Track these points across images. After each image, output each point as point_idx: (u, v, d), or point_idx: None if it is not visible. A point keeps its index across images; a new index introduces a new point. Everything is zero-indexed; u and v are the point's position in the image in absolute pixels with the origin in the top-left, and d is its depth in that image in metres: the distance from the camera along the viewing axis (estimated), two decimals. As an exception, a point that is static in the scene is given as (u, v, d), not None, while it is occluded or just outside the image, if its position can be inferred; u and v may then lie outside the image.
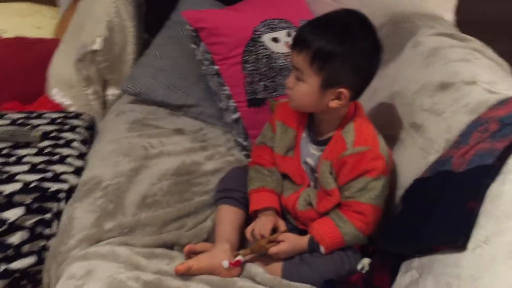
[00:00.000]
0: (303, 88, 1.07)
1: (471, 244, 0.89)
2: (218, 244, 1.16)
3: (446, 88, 1.23)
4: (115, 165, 1.36)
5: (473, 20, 1.81)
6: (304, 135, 1.19)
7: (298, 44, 1.07)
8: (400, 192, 1.21)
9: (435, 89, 1.25)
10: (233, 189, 1.24)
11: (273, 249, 1.14)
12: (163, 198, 1.29)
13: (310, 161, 1.18)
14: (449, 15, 1.83)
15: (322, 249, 1.12)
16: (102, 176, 1.33)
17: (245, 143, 1.54)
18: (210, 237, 1.25)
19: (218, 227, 1.21)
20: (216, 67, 1.49)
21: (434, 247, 0.97)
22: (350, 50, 1.04)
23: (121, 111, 1.66)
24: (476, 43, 1.43)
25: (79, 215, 1.23)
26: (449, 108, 1.19)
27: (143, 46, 1.90)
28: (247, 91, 1.48)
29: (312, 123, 1.18)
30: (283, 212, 1.25)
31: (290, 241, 1.15)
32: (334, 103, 1.08)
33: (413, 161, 1.20)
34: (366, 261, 1.16)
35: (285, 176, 1.25)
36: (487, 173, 0.95)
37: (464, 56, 1.31)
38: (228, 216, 1.21)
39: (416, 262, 1.04)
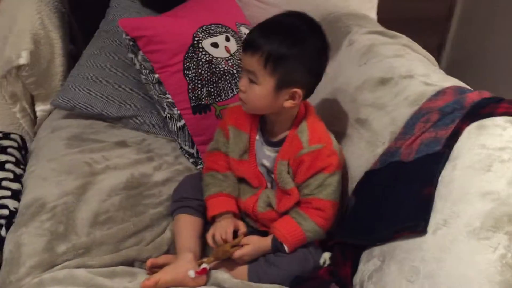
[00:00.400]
0: (258, 91, 1.08)
1: (431, 227, 0.95)
2: (180, 254, 1.14)
3: (385, 82, 1.29)
4: (59, 185, 1.29)
5: (393, 18, 1.90)
6: (257, 137, 1.20)
7: (250, 47, 1.07)
8: (351, 185, 1.26)
9: (376, 85, 1.31)
10: (189, 198, 1.23)
11: (237, 253, 1.14)
12: (116, 214, 1.24)
13: (266, 162, 1.19)
14: (373, 14, 1.92)
15: (286, 248, 1.14)
16: (45, 198, 1.25)
17: (191, 151, 1.52)
18: (170, 249, 1.22)
19: (178, 238, 1.18)
20: (157, 75, 1.46)
21: (394, 235, 1.02)
22: (301, 51, 1.06)
23: (56, 127, 1.58)
24: (404, 39, 1.51)
25: (27, 240, 1.16)
26: (390, 102, 1.25)
27: (70, 57, 1.82)
28: (191, 98, 1.46)
29: (264, 125, 1.20)
30: (241, 216, 1.25)
31: (254, 243, 1.15)
32: (288, 103, 1.10)
33: (362, 154, 1.25)
34: (327, 255, 1.19)
35: (241, 180, 1.25)
36: (438, 160, 1.02)
37: (397, 52, 1.39)
38: (187, 225, 1.20)
39: (376, 250, 1.09)
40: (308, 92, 1.13)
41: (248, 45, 1.08)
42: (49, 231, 1.17)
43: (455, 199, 0.94)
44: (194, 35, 1.46)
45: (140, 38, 1.42)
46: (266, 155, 1.19)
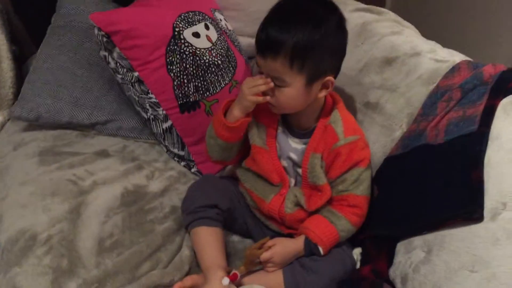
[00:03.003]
0: (289, 93, 0.98)
1: (488, 213, 0.91)
2: (210, 273, 1.02)
3: (391, 62, 1.24)
4: (46, 210, 1.12)
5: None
6: (280, 129, 1.10)
7: (269, 50, 0.95)
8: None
9: (381, 65, 1.25)
10: (203, 207, 1.11)
11: (266, 254, 1.04)
12: (123, 236, 1.10)
13: (293, 155, 1.10)
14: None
15: (321, 250, 1.06)
16: (34, 228, 1.08)
17: (182, 153, 1.39)
18: (192, 267, 1.10)
19: (203, 254, 1.07)
20: (136, 73, 1.30)
21: (445, 223, 0.97)
22: (324, 35, 0.97)
23: (18, 142, 1.38)
24: (391, 14, 1.46)
25: (26, 282, 0.99)
26: (402, 82, 1.20)
27: (15, 60, 1.60)
28: (177, 96, 1.32)
29: (287, 116, 1.10)
30: (262, 220, 1.16)
31: (282, 243, 1.07)
32: (322, 93, 1.01)
33: (377, 140, 1.19)
34: (357, 251, 1.13)
35: (258, 179, 1.14)
36: (479, 141, 0.97)
37: (393, 29, 1.33)
38: (209, 239, 1.08)
39: (417, 240, 1.04)
40: (338, 73, 1.05)
41: (266, 47, 0.96)
42: (51, 267, 1.01)
43: (511, 181, 0.90)
44: (174, 25, 1.32)
45: (115, 33, 1.25)
46: (292, 147, 1.10)
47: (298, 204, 1.10)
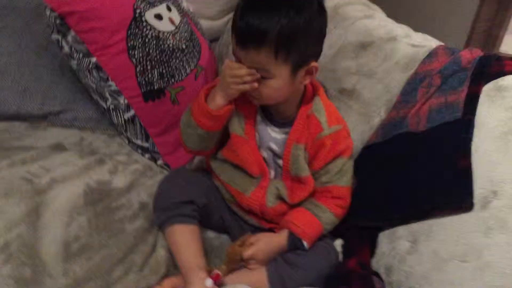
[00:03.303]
0: (273, 84, 0.92)
1: (479, 201, 0.90)
2: (191, 275, 0.95)
3: (367, 47, 1.21)
4: (0, 214, 1.00)
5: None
6: (258, 117, 1.04)
7: (252, 39, 0.87)
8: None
9: (356, 50, 1.22)
10: (179, 203, 1.03)
11: (249, 252, 0.99)
12: (90, 239, 1.00)
13: (273, 146, 1.04)
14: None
15: (305, 244, 1.01)
16: (-14, 233, 0.96)
17: (146, 145, 1.29)
18: (169, 270, 1.03)
19: (181, 255, 0.99)
20: (94, 59, 1.19)
21: (433, 212, 0.95)
22: (309, 19, 0.89)
23: (-41, 137, 1.22)
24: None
25: (-17, 297, 0.87)
26: (379, 67, 1.17)
27: None
28: (140, 83, 1.22)
29: (266, 105, 1.03)
30: (240, 216, 1.10)
31: (264, 239, 1.02)
32: (307, 80, 0.95)
33: (354, 128, 1.16)
34: (338, 243, 1.10)
35: (236, 171, 1.07)
36: (465, 128, 0.96)
37: (365, 13, 1.30)
38: (186, 238, 1.01)
39: (400, 230, 1.03)
40: (319, 57, 0.98)
41: (247, 38, 0.87)
42: (12, 278, 0.90)
43: (501, 169, 0.89)
44: (135, 6, 1.21)
45: (70, 14, 1.13)
46: (272, 137, 1.03)
47: (279, 197, 1.05)
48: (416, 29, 1.28)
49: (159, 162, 1.29)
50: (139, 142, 1.29)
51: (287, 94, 0.95)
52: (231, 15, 1.68)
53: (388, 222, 1.04)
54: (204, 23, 1.57)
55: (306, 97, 1.02)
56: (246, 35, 0.88)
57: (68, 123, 1.31)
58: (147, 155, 1.30)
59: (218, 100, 0.96)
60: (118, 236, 1.03)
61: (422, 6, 2.48)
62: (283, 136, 1.02)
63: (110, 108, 1.25)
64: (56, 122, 1.30)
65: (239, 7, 0.90)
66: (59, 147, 1.22)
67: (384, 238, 1.06)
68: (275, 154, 1.04)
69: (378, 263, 1.06)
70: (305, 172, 1.01)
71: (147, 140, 1.28)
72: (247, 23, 0.87)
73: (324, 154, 1.01)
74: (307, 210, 1.04)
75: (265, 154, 1.05)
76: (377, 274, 1.00)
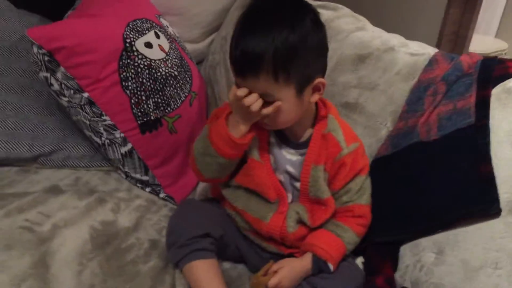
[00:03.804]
0: (282, 108, 0.88)
1: (506, 207, 0.89)
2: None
3: (364, 59, 1.20)
4: (4, 269, 0.93)
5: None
6: (272, 140, 1.00)
7: (248, 67, 0.84)
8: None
9: (354, 63, 1.21)
10: (195, 238, 0.98)
11: (274, 280, 0.95)
12: (105, 285, 0.95)
13: (290, 168, 1.00)
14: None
15: (331, 266, 0.98)
16: (-7, 292, 0.89)
17: (145, 178, 1.24)
18: (192, 308, 0.97)
19: (203, 291, 0.94)
20: (86, 94, 1.13)
21: (458, 221, 0.94)
22: (303, 35, 0.86)
23: None
24: (346, 9, 1.42)
25: None
26: (380, 79, 1.16)
27: None
28: (136, 115, 1.17)
29: None
30: (258, 243, 1.06)
31: (288, 265, 0.98)
32: (315, 97, 0.92)
33: (361, 140, 1.14)
34: (359, 261, 1.07)
35: (251, 197, 1.03)
36: (482, 134, 0.95)
37: (356, 25, 1.29)
38: (207, 273, 0.96)
39: (424, 242, 1.00)
40: (325, 72, 0.95)
41: (244, 66, 0.84)
42: None
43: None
44: (124, 35, 1.16)
45: (59, 50, 1.07)
46: (287, 159, 1.00)
47: (300, 221, 1.01)
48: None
49: (162, 195, 1.24)
50: (138, 176, 1.24)
51: (298, 115, 0.93)
52: (213, 36, 1.66)
53: (410, 235, 1.02)
54: (188, 46, 1.54)
55: (319, 115, 0.99)
56: (242, 63, 0.85)
57: (61, 163, 1.24)
58: (147, 189, 1.25)
59: (242, 128, 0.92)
60: (135, 279, 0.97)
61: (391, 10, 2.52)
62: (299, 157, 0.99)
63: (106, 144, 1.20)
64: (47, 163, 1.23)
65: (233, 38, 0.87)
66: (55, 190, 1.16)
67: (407, 251, 1.04)
68: (292, 177, 1.01)
69: (402, 277, 1.03)
70: (326, 194, 0.98)
71: (146, 173, 1.23)
72: (242, 51, 0.84)
73: (344, 173, 0.98)
74: (328, 231, 1.01)
75: (281, 177, 1.01)
76: (406, 289, 0.97)
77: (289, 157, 1.00)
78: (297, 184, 1.01)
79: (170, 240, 1.01)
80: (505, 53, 3.09)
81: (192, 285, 0.97)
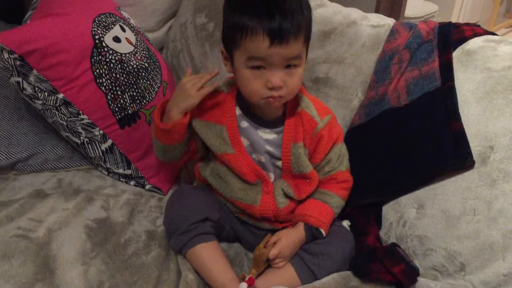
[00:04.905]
0: (300, 71, 0.93)
1: (478, 158, 0.98)
2: (227, 290, 0.95)
3: (329, 35, 1.25)
4: (9, 278, 0.93)
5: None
6: (245, 124, 1.03)
7: (290, 32, 0.86)
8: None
9: (320, 39, 1.26)
10: (195, 223, 1.01)
11: (274, 251, 1.00)
12: (115, 281, 0.96)
13: (270, 148, 1.04)
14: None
15: (323, 231, 1.05)
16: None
17: (128, 172, 1.25)
18: (204, 291, 1.01)
19: (211, 273, 0.98)
20: (61, 95, 1.12)
21: (436, 176, 1.02)
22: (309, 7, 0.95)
23: None
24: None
25: None
26: (347, 52, 1.22)
27: None
28: (114, 111, 1.17)
29: (249, 107, 1.03)
30: (253, 224, 1.10)
31: (285, 236, 1.03)
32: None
33: (335, 113, 1.18)
34: (346, 223, 1.14)
35: (234, 183, 1.06)
36: (449, 94, 1.04)
37: (316, 2, 1.34)
38: (212, 255, 1.00)
39: (404, 199, 1.09)
40: None
41: (286, 33, 0.86)
42: None
43: (492, 125, 0.98)
44: (93, 32, 1.15)
45: (31, 53, 1.05)
46: (264, 139, 1.03)
47: (288, 196, 1.07)
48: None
49: (148, 186, 1.25)
50: (120, 170, 1.24)
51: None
52: (170, 23, 1.66)
53: (391, 195, 1.10)
54: (148, 36, 1.53)
55: None
56: (285, 31, 0.86)
57: (39, 167, 1.22)
58: (132, 182, 1.26)
59: (173, 114, 1.01)
60: (141, 271, 0.99)
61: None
62: (275, 136, 1.03)
63: (85, 142, 1.19)
64: (25, 169, 1.21)
65: (251, 12, 0.87)
66: (40, 194, 1.15)
67: (389, 210, 1.12)
68: (272, 156, 1.05)
69: (387, 234, 1.12)
70: (309, 168, 1.04)
71: (129, 167, 1.24)
72: (280, 22, 0.86)
73: (323, 146, 1.04)
74: (316, 199, 1.07)
75: (262, 158, 1.05)
76: (395, 244, 1.05)
77: (265, 137, 1.04)
78: (279, 163, 1.05)
79: (171, 228, 1.03)
80: (436, 14, 3.25)
81: (198, 268, 1.01)
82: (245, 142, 1.05)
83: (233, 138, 1.03)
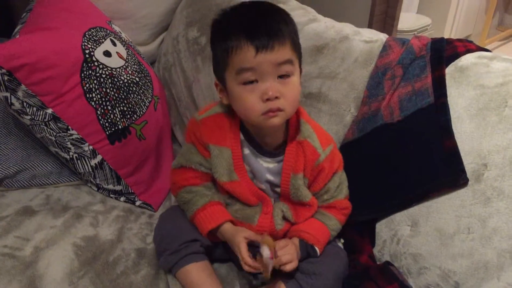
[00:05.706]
0: (295, 81, 0.90)
1: (472, 176, 0.97)
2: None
3: (322, 50, 1.24)
4: (-7, 300, 0.91)
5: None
6: (246, 151, 1.01)
7: (274, 38, 0.85)
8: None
9: (312, 54, 1.25)
10: (186, 243, 1.00)
11: (287, 257, 0.95)
12: (103, 302, 0.94)
13: (270, 177, 1.02)
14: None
15: (317, 250, 1.03)
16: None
17: (118, 188, 1.23)
18: (192, 311, 0.99)
19: (202, 293, 0.96)
20: (49, 110, 1.10)
21: (429, 194, 1.01)
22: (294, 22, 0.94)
23: None
24: (293, 2, 1.46)
25: None
26: (340, 68, 1.21)
27: None
28: (104, 126, 1.16)
29: (251, 135, 1.01)
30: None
31: (288, 242, 1.00)
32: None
33: (328, 129, 1.18)
34: (339, 241, 1.13)
35: (234, 204, 1.05)
36: (442, 111, 1.03)
37: (308, 17, 1.33)
38: (202, 275, 0.98)
39: (398, 217, 1.08)
40: None
41: (270, 39, 0.84)
42: None
43: (486, 142, 0.97)
44: (83, 46, 1.14)
45: (19, 68, 1.04)
46: (264, 167, 1.02)
47: (285, 218, 1.05)
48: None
49: (138, 202, 1.24)
50: (110, 186, 1.22)
51: (299, 95, 0.94)
52: (162, 37, 1.65)
53: (385, 212, 1.09)
54: (139, 49, 1.52)
55: (291, 121, 1.00)
56: (268, 37, 0.85)
57: (27, 183, 1.21)
58: (122, 198, 1.24)
59: (222, 238, 1.01)
60: (129, 290, 0.97)
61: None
62: (276, 164, 1.01)
63: (74, 158, 1.17)
64: (13, 185, 1.20)
65: (236, 28, 0.87)
66: (27, 211, 1.13)
67: (382, 227, 1.11)
68: (272, 184, 1.04)
69: (380, 252, 1.10)
70: (308, 197, 1.02)
71: (118, 182, 1.22)
72: (263, 31, 0.85)
73: (323, 177, 1.02)
74: (315, 219, 1.05)
75: (263, 186, 1.04)
76: (389, 263, 1.04)
77: (266, 166, 1.02)
78: (278, 190, 1.03)
79: (161, 247, 1.01)
80: (429, 28, 3.27)
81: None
82: (247, 168, 1.03)
83: (237, 163, 1.01)
